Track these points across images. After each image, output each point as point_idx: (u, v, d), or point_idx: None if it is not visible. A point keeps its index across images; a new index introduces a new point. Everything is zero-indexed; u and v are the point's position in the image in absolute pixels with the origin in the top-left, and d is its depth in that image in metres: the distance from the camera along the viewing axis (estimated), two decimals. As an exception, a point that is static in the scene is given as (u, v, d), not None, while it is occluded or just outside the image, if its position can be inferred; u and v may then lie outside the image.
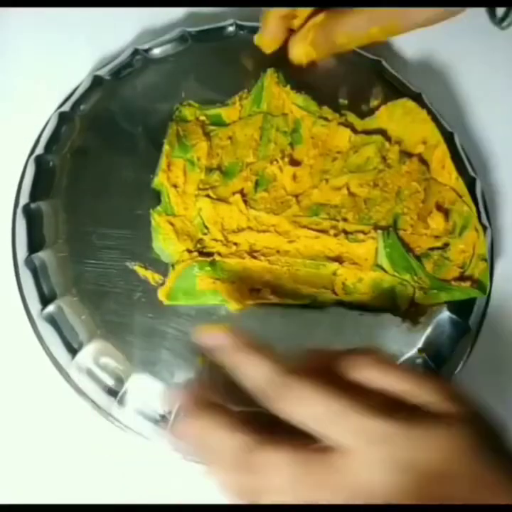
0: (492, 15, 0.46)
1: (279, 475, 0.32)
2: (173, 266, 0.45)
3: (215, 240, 0.45)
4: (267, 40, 0.51)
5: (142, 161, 0.47)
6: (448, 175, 0.48)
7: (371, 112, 0.50)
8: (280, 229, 0.46)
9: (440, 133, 0.49)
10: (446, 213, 0.47)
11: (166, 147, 0.47)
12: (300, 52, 0.50)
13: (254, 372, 0.35)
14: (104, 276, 0.44)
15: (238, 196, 0.46)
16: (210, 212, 0.45)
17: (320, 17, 0.49)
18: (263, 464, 0.33)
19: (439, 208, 0.47)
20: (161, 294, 0.44)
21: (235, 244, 0.45)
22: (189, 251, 0.45)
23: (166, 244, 0.45)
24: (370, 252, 0.45)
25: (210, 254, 0.45)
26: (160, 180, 0.46)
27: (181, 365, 0.43)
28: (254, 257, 0.45)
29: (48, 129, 0.50)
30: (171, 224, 0.45)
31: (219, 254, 0.45)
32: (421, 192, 0.47)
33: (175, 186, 0.46)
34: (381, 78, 0.53)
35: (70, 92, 0.52)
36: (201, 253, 0.45)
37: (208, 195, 0.46)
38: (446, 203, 0.47)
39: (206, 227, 0.45)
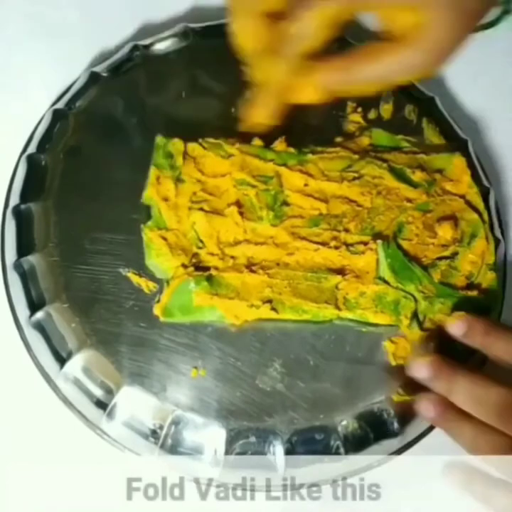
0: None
1: None
2: (167, 282, 0.43)
3: (211, 253, 0.44)
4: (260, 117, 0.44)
5: (138, 163, 0.46)
6: (461, 185, 0.47)
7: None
8: (278, 241, 0.44)
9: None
10: (454, 221, 0.46)
11: (152, 167, 0.46)
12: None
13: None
14: (96, 283, 0.43)
15: (234, 208, 0.45)
16: (205, 225, 0.44)
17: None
18: None
19: (447, 216, 0.46)
20: (157, 310, 0.43)
21: (232, 257, 0.44)
22: (184, 266, 0.43)
23: (159, 260, 0.44)
24: (370, 264, 0.44)
25: (206, 269, 0.43)
26: (149, 194, 0.45)
27: (174, 378, 0.42)
28: (253, 271, 0.44)
29: (42, 127, 0.49)
30: (164, 238, 0.44)
31: (216, 268, 0.44)
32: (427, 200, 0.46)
33: (165, 199, 0.45)
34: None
35: (65, 89, 0.51)
36: (197, 268, 0.43)
37: (201, 208, 0.45)
38: (455, 210, 0.46)
39: (201, 241, 0.44)
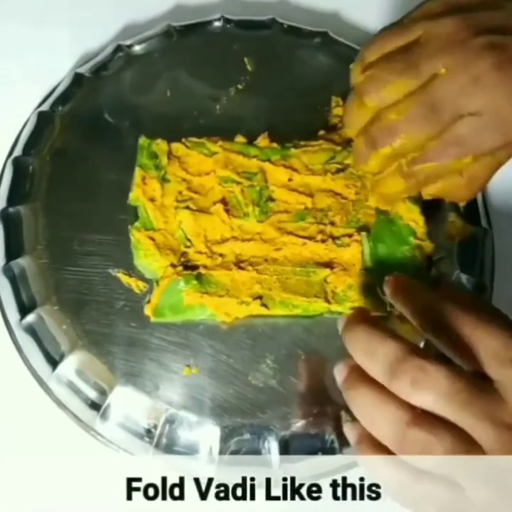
0: None
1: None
2: (157, 282, 0.43)
3: (200, 252, 0.44)
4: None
5: (125, 163, 0.46)
6: None
7: None
8: (265, 237, 0.44)
9: None
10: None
11: (137, 168, 0.45)
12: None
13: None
14: (86, 284, 0.43)
15: (219, 206, 0.44)
16: (192, 224, 0.44)
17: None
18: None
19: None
20: (148, 311, 0.43)
21: (221, 255, 0.44)
22: (173, 265, 0.43)
23: (148, 260, 0.43)
24: (355, 256, 0.44)
25: (195, 268, 0.43)
26: (135, 195, 0.45)
27: (167, 376, 0.42)
28: (242, 268, 0.43)
29: (27, 130, 0.49)
30: (152, 239, 0.44)
31: (204, 266, 0.43)
32: None
33: (152, 200, 0.45)
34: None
35: (49, 91, 0.51)
36: (186, 267, 0.43)
37: (187, 207, 0.44)
38: None
39: (189, 240, 0.44)
